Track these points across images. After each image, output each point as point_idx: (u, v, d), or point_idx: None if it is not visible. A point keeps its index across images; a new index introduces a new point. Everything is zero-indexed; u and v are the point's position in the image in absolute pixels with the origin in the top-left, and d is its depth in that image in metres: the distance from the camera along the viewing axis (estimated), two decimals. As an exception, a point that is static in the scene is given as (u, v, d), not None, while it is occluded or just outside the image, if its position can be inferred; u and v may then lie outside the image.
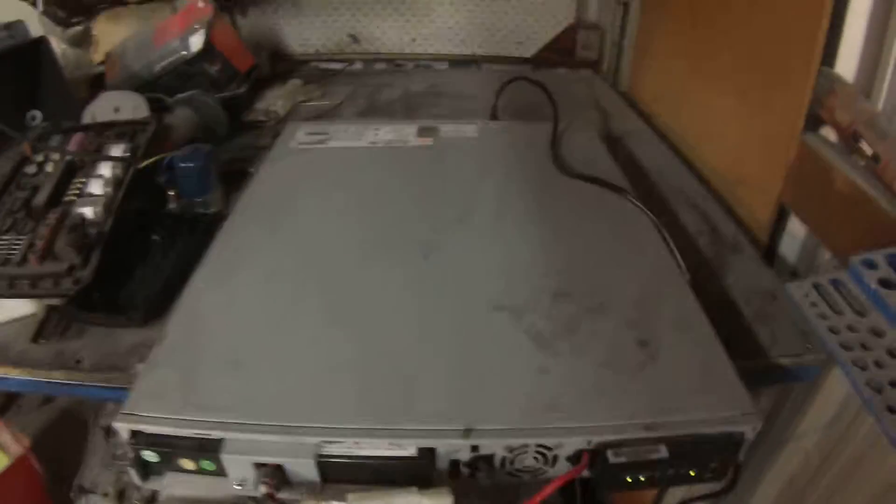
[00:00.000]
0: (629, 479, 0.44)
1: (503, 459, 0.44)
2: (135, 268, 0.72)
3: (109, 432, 1.31)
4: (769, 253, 0.80)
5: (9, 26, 0.94)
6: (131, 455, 0.47)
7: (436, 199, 0.71)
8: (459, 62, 1.40)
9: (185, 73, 1.01)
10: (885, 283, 0.57)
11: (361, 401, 0.46)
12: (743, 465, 0.55)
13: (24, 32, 0.99)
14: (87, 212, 0.71)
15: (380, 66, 1.40)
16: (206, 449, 0.44)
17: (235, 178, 0.83)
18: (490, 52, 1.39)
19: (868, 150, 0.64)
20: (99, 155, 0.78)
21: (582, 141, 0.85)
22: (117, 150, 0.79)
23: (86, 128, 0.85)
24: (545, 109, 0.92)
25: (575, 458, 0.45)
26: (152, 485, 0.49)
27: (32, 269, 0.66)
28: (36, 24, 1.08)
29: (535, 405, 0.45)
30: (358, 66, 1.39)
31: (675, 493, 1.01)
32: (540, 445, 0.43)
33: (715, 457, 0.46)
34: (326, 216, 0.68)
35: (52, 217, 0.70)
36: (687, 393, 0.47)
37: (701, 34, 0.98)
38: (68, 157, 0.78)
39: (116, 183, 0.74)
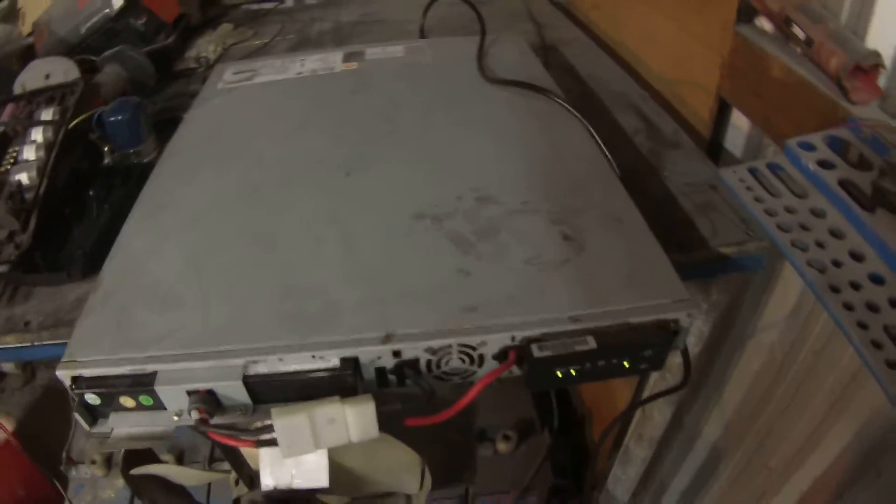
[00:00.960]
0: (559, 374, 0.43)
1: (428, 363, 0.43)
2: (70, 225, 0.70)
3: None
4: (714, 148, 0.78)
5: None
6: (75, 401, 0.47)
7: (360, 120, 0.69)
8: None
9: (112, 30, 0.98)
10: (823, 164, 0.55)
11: (283, 319, 0.44)
12: (692, 357, 0.55)
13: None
14: (23, 177, 0.70)
15: (310, 1, 1.35)
16: (142, 383, 0.44)
17: (168, 126, 0.81)
18: None
19: (801, 35, 0.61)
20: (30, 121, 0.76)
21: (511, 51, 0.81)
22: (47, 115, 0.76)
23: (16, 98, 0.82)
24: (476, 26, 0.88)
25: (502, 357, 0.44)
26: (99, 429, 0.48)
27: None
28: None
29: (455, 307, 0.44)
30: (289, 3, 1.33)
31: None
32: (462, 345, 0.42)
33: (648, 346, 0.45)
34: (250, 150, 0.66)
35: None
36: (618, 284, 0.46)
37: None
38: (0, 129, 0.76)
39: (48, 146, 0.73)
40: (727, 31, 0.70)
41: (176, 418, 0.45)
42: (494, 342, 0.43)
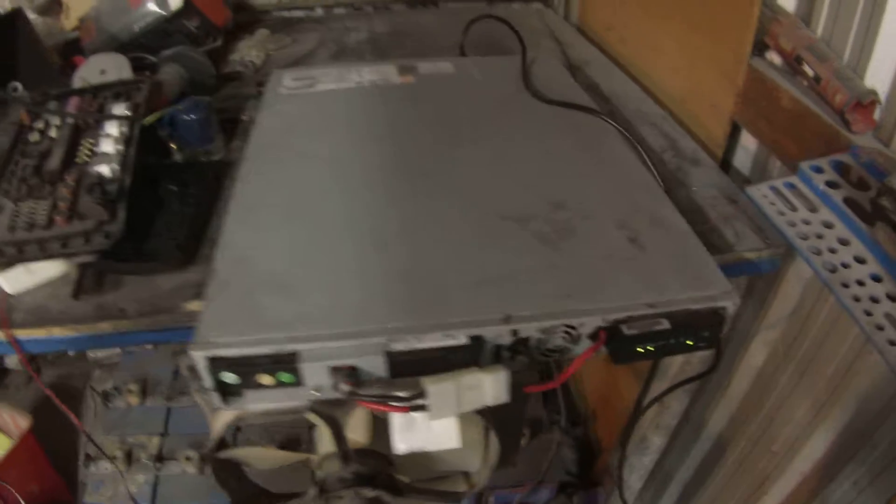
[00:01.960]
0: (640, 349, 0.55)
1: (538, 341, 0.54)
2: (153, 217, 0.76)
3: (107, 397, 1.36)
4: (724, 165, 0.92)
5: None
6: (210, 381, 0.53)
7: (429, 130, 0.80)
8: (416, 3, 1.48)
9: (165, 30, 1.05)
10: (830, 184, 0.69)
11: (412, 302, 0.54)
12: (724, 345, 0.67)
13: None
14: (104, 170, 0.75)
15: (339, 10, 1.46)
16: (285, 362, 0.51)
17: (227, 125, 0.90)
18: None
19: (810, 72, 0.75)
20: (103, 115, 0.82)
21: (549, 71, 0.95)
22: (119, 110, 0.83)
23: (81, 91, 0.88)
24: (504, 43, 1.01)
25: (593, 336, 0.55)
26: (233, 406, 0.55)
27: (61, 230, 0.70)
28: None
29: (555, 293, 0.55)
30: (319, 12, 1.44)
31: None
32: (567, 325, 0.53)
33: (705, 328, 0.56)
34: (333, 152, 0.76)
35: (70, 179, 0.74)
36: (677, 278, 0.58)
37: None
38: (70, 121, 0.81)
39: (126, 140, 0.78)
40: (741, 63, 0.84)
41: (316, 393, 0.53)
42: (590, 323, 0.54)
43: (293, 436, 1.21)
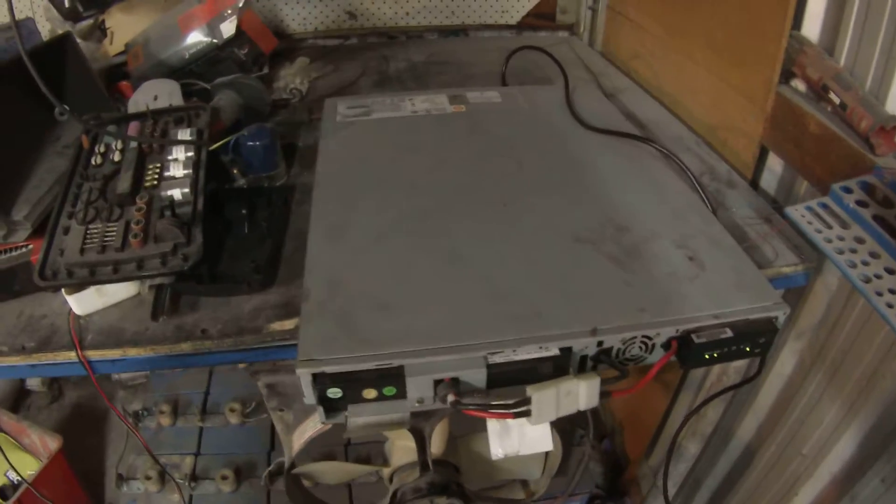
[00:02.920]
0: (707, 356, 0.63)
1: (618, 351, 0.61)
2: (223, 240, 0.81)
3: (139, 417, 1.40)
4: (752, 186, 1.01)
5: (17, 25, 1.00)
6: (313, 397, 0.58)
7: (490, 158, 0.88)
8: (448, 32, 1.57)
9: (216, 58, 1.12)
10: (860, 203, 0.78)
11: (505, 318, 0.62)
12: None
13: (33, 30, 1.05)
14: (175, 193, 0.79)
15: (372, 39, 1.54)
16: (391, 376, 0.57)
17: (285, 151, 0.96)
18: (477, 21, 1.57)
19: (836, 100, 0.84)
20: (167, 139, 0.87)
21: (590, 99, 1.04)
22: (183, 135, 0.88)
23: (139, 116, 0.93)
24: (537, 71, 1.09)
25: (665, 346, 0.63)
26: (335, 420, 0.61)
27: (135, 253, 0.73)
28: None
29: (631, 307, 0.63)
30: (353, 41, 1.53)
31: (680, 412, 1.23)
32: (644, 336, 0.61)
33: (761, 335, 0.65)
34: (404, 178, 0.83)
35: (141, 202, 0.78)
36: (733, 291, 0.66)
37: (674, 3, 1.18)
38: (133, 144, 0.85)
39: (194, 164, 0.83)
40: (769, 90, 0.93)
41: (417, 405, 0.59)
42: (665, 334, 0.62)
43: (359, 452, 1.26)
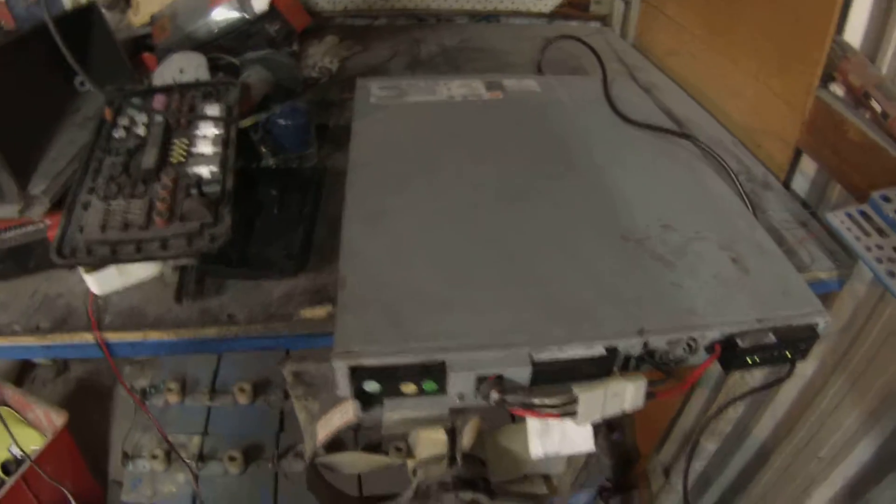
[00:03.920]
0: (749, 360, 0.63)
1: (663, 352, 0.62)
2: (253, 221, 0.80)
3: (146, 394, 1.40)
4: (784, 188, 1.01)
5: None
6: (349, 389, 0.57)
7: (530, 147, 0.88)
8: (479, 17, 1.57)
9: (246, 32, 1.10)
10: (898, 212, 0.78)
11: (551, 315, 0.62)
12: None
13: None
14: (203, 171, 0.77)
15: (401, 20, 1.53)
16: (432, 371, 0.57)
17: (318, 132, 0.94)
18: (510, 7, 1.56)
19: (878, 108, 0.84)
20: (196, 115, 0.85)
21: (628, 93, 1.04)
22: (211, 110, 0.86)
23: (166, 89, 0.91)
24: (572, 62, 1.09)
25: (709, 349, 0.63)
26: (372, 414, 0.60)
27: (160, 231, 0.70)
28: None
29: (678, 309, 0.64)
30: (382, 21, 1.51)
31: (693, 408, 1.24)
32: (690, 338, 0.61)
33: (802, 341, 0.65)
34: (442, 165, 0.82)
35: (167, 179, 0.75)
36: (776, 296, 0.67)
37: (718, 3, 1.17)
38: (159, 119, 0.83)
39: (224, 142, 0.81)
40: (809, 94, 0.93)
41: (458, 401, 0.59)
42: (710, 336, 0.62)
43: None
